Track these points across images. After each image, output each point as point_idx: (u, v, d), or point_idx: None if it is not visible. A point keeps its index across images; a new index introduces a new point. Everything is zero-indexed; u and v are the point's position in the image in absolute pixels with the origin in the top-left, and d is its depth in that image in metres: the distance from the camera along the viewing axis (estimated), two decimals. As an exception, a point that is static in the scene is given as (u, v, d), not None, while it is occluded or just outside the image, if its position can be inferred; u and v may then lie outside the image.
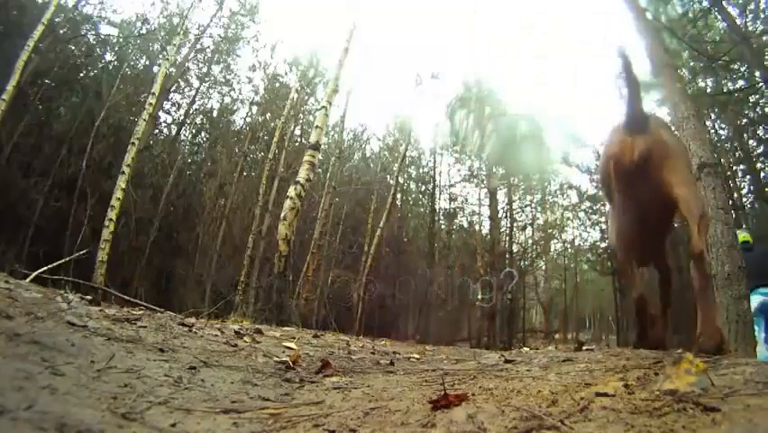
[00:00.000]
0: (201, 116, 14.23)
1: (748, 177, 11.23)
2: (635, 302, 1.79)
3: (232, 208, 12.83)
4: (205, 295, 10.62)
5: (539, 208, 15.64)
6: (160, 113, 12.59)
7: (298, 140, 14.07)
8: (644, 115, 1.72)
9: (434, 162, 16.58)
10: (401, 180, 15.48)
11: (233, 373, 1.50)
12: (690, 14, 7.23)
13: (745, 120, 10.32)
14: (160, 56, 11.48)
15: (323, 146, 10.31)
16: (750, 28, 7.66)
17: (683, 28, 6.96)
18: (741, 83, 9.27)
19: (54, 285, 3.76)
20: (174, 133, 13.48)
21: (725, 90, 9.54)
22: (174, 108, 13.60)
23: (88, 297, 2.85)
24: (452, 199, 16.33)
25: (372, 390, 1.44)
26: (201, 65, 13.63)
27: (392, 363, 2.40)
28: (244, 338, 2.40)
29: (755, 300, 3.89)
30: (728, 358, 1.51)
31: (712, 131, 10.96)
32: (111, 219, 7.17)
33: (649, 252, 1.85)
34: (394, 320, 14.28)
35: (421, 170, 17.33)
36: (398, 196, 15.39)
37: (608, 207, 2.24)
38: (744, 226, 10.12)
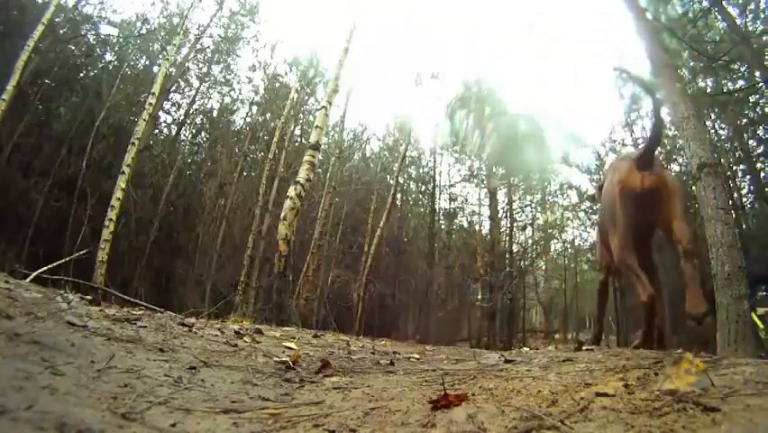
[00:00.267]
0: (201, 116, 14.23)
1: (748, 177, 11.23)
2: (649, 298, 1.99)
3: (232, 208, 12.83)
4: (205, 295, 10.62)
5: (539, 208, 15.65)
6: (160, 113, 12.59)
7: (298, 140, 14.07)
8: (653, 156, 2.10)
9: (434, 162, 16.58)
10: (401, 180, 15.48)
11: (233, 373, 1.50)
12: (690, 14, 7.22)
13: (745, 120, 10.32)
14: (160, 56, 11.47)
15: (323, 146, 10.30)
16: (750, 28, 7.66)
17: (683, 28, 6.96)
18: (741, 83, 9.26)
19: (54, 285, 3.76)
20: (174, 133, 13.48)
21: (725, 90, 9.54)
22: (174, 108, 13.61)
23: (88, 297, 2.85)
24: (452, 199, 16.33)
25: (372, 390, 1.44)
26: (201, 65, 13.63)
27: (392, 363, 2.40)
28: (244, 338, 2.40)
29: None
30: (728, 358, 1.51)
31: (712, 131, 10.95)
32: (111, 219, 7.17)
33: (643, 255, 2.21)
34: (394, 320, 14.28)
35: (421, 170, 17.33)
36: (398, 196, 15.39)
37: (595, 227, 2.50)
38: (744, 226, 10.13)
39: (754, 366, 1.17)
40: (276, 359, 1.92)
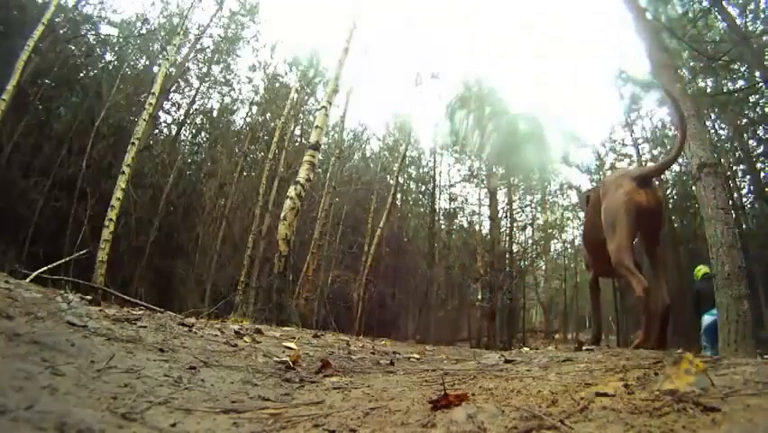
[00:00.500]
0: (201, 116, 14.24)
1: (748, 177, 11.23)
2: (644, 292, 2.19)
3: (232, 208, 12.83)
4: (205, 295, 10.62)
5: (539, 208, 15.65)
6: (160, 113, 12.60)
7: (298, 140, 14.07)
8: (653, 178, 2.42)
9: (434, 162, 16.60)
10: (401, 180, 15.48)
11: (233, 373, 1.50)
12: (690, 14, 7.22)
13: (745, 120, 10.32)
14: (160, 56, 11.48)
15: (323, 146, 10.31)
16: (750, 28, 7.66)
17: (683, 28, 6.95)
18: (741, 83, 9.26)
19: (54, 285, 3.76)
20: (174, 133, 13.49)
21: (725, 90, 9.54)
22: (174, 108, 13.62)
23: (88, 297, 2.85)
24: (452, 199, 16.34)
25: (372, 390, 1.44)
26: (201, 65, 13.64)
27: (392, 363, 2.40)
28: (244, 338, 2.40)
29: (709, 319, 4.82)
30: (728, 358, 1.51)
31: (712, 131, 10.96)
32: (111, 219, 7.17)
33: (635, 259, 2.47)
34: (394, 320, 14.28)
35: (421, 170, 17.34)
36: (398, 196, 15.39)
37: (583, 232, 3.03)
38: (744, 226, 10.14)
39: (754, 366, 1.17)
40: (276, 359, 1.92)
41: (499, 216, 14.75)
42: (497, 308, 13.16)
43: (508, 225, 15.04)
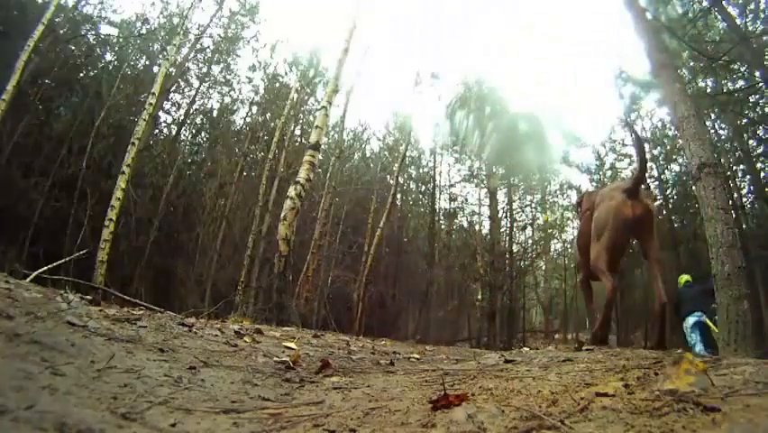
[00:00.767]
0: (201, 116, 14.23)
1: (748, 177, 11.22)
2: (612, 289, 2.50)
3: (232, 208, 12.83)
4: (205, 295, 10.62)
5: (539, 208, 15.65)
6: (160, 113, 12.59)
7: (298, 140, 14.07)
8: (641, 188, 2.61)
9: (434, 162, 16.59)
10: (401, 180, 15.48)
11: (233, 373, 1.50)
12: (690, 14, 7.22)
13: (745, 120, 10.31)
14: (160, 56, 11.47)
15: (323, 146, 10.30)
16: (750, 28, 7.65)
17: (683, 28, 6.95)
18: (741, 83, 9.26)
19: (54, 285, 3.76)
20: (174, 133, 13.47)
21: (725, 90, 9.53)
22: (174, 108, 13.61)
23: (88, 297, 2.85)
24: (452, 199, 16.33)
25: (372, 390, 1.44)
26: (201, 65, 13.62)
27: (392, 363, 2.40)
28: (244, 338, 2.40)
29: (692, 320, 5.17)
30: (728, 358, 1.51)
31: (712, 131, 10.95)
32: (111, 219, 7.16)
33: (616, 264, 2.77)
34: (394, 320, 14.28)
35: (421, 170, 17.34)
36: (398, 196, 15.39)
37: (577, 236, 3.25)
38: (744, 226, 10.14)
39: (754, 366, 1.17)
40: (276, 359, 1.92)
41: (499, 216, 14.74)
42: (497, 308, 13.15)
43: (508, 225, 15.04)
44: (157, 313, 2.94)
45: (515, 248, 15.16)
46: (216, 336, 2.29)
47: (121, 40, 12.23)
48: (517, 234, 15.63)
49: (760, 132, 10.58)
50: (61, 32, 10.70)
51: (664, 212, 12.71)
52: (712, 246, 4.21)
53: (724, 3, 7.06)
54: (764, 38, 7.36)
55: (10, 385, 0.86)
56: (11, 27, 9.28)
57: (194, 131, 14.41)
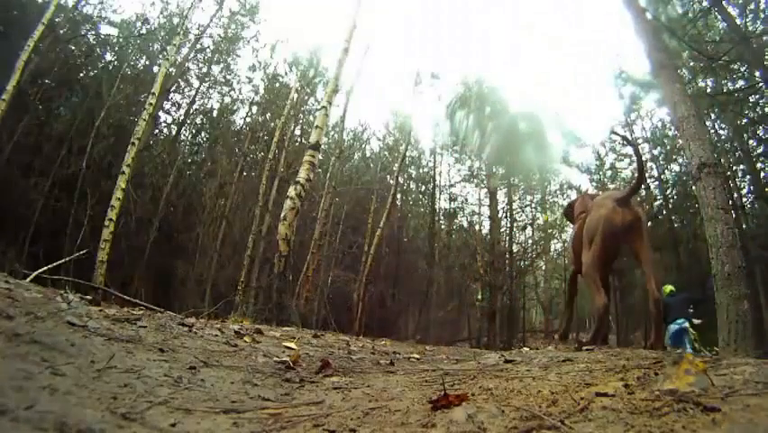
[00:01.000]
0: (201, 116, 14.23)
1: (748, 177, 11.22)
2: (604, 307, 2.65)
3: (232, 208, 12.82)
4: (205, 295, 10.61)
5: (539, 208, 15.65)
6: (160, 113, 12.59)
7: (298, 140, 14.07)
8: (630, 198, 2.72)
9: (434, 162, 16.59)
10: (401, 180, 15.48)
11: (233, 373, 1.50)
12: (690, 14, 7.22)
13: (745, 120, 10.31)
14: (160, 56, 11.47)
15: (323, 146, 10.30)
16: (750, 28, 7.65)
17: (683, 28, 6.95)
18: (741, 83, 9.25)
19: (54, 285, 3.76)
20: (174, 133, 13.48)
21: (725, 90, 9.53)
22: (174, 108, 13.61)
23: (88, 297, 2.85)
24: (452, 199, 16.33)
25: (372, 390, 1.44)
26: (201, 65, 13.62)
27: (392, 363, 2.40)
28: (244, 338, 2.40)
29: (675, 326, 5.57)
30: (728, 358, 1.52)
31: (712, 131, 10.95)
32: (111, 219, 7.16)
33: (606, 272, 2.86)
34: (394, 320, 14.27)
35: (421, 170, 17.34)
36: (398, 196, 15.38)
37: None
38: (744, 226, 10.14)
39: (754, 366, 1.17)
40: (276, 359, 1.92)
41: (499, 216, 14.74)
42: (497, 308, 13.15)
43: (508, 225, 15.04)
44: (157, 313, 2.94)
45: (515, 248, 15.15)
46: (216, 336, 2.29)
47: (121, 40, 12.23)
48: (517, 234, 15.63)
49: (760, 132, 10.58)
50: (61, 32, 10.70)
51: (664, 212, 12.71)
52: (712, 246, 4.21)
53: (724, 3, 7.06)
54: (764, 38, 7.36)
55: (10, 385, 0.86)
56: (11, 27, 9.28)
57: (194, 131, 14.42)
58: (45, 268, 4.17)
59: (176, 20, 12.01)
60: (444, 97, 14.26)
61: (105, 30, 12.22)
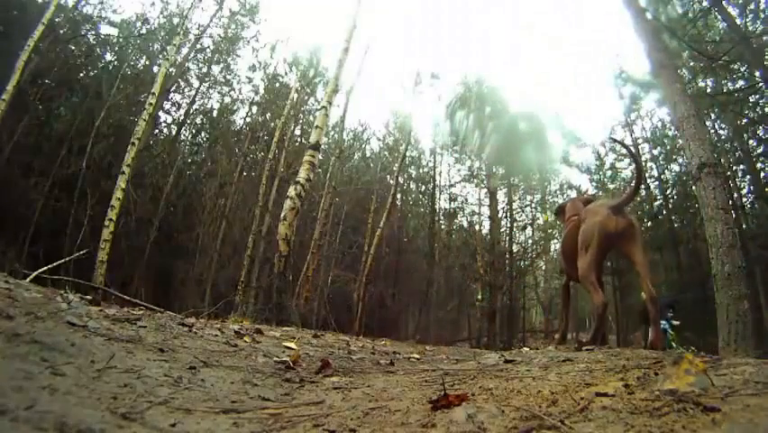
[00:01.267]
0: (201, 116, 14.22)
1: (748, 177, 11.22)
2: (603, 305, 2.74)
3: (232, 208, 12.82)
4: (205, 295, 10.62)
5: (539, 208, 15.65)
6: (160, 113, 12.58)
7: (298, 140, 14.06)
8: (625, 206, 2.84)
9: (434, 162, 16.59)
10: (401, 180, 15.47)
11: (233, 373, 1.50)
12: (690, 14, 7.21)
13: (745, 120, 10.30)
14: (160, 56, 11.47)
15: (323, 146, 10.30)
16: (750, 28, 7.64)
17: (683, 28, 6.95)
18: (741, 83, 9.25)
19: (54, 285, 3.75)
20: (174, 133, 13.48)
21: (725, 90, 9.53)
22: (174, 108, 13.60)
23: (88, 297, 2.85)
24: (452, 199, 16.33)
25: (372, 390, 1.44)
26: (201, 65, 13.62)
27: (392, 363, 2.40)
28: (244, 338, 2.40)
29: None
30: (728, 358, 1.52)
31: (712, 131, 10.95)
32: (111, 219, 7.16)
33: (599, 273, 2.93)
34: (394, 320, 14.28)
35: (421, 170, 17.34)
36: (398, 196, 15.38)
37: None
38: (744, 226, 10.14)
39: (754, 366, 1.17)
40: (276, 359, 1.92)
41: (499, 216, 14.74)
42: (497, 308, 13.15)
43: (508, 225, 15.04)
44: (157, 313, 2.94)
45: (515, 248, 15.15)
46: (216, 336, 2.29)
47: (121, 40, 12.22)
48: (517, 234, 15.63)
49: (760, 132, 10.58)
50: (61, 32, 10.70)
51: (664, 212, 12.71)
52: (712, 246, 4.21)
53: (724, 3, 7.06)
54: (764, 38, 7.35)
55: (10, 385, 0.86)
56: (11, 27, 9.28)
57: (194, 131, 14.42)
58: (45, 268, 4.17)
59: (176, 20, 12.01)
60: (444, 97, 14.27)
61: (105, 30, 12.23)
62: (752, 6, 7.75)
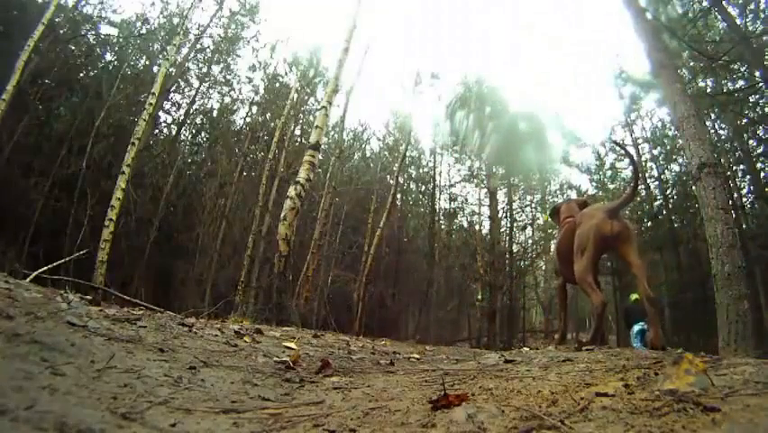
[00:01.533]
0: (201, 116, 14.23)
1: (748, 177, 11.22)
2: (602, 305, 2.77)
3: (232, 208, 12.82)
4: (205, 295, 10.62)
5: (539, 208, 15.65)
6: (160, 113, 12.59)
7: (298, 140, 14.06)
8: (620, 210, 2.91)
9: (434, 162, 16.60)
10: (401, 180, 15.47)
11: (233, 373, 1.50)
12: (690, 14, 7.21)
13: (745, 120, 10.31)
14: (160, 56, 11.47)
15: (323, 146, 10.30)
16: (750, 28, 7.64)
17: (683, 28, 6.95)
18: (741, 83, 9.25)
19: (54, 285, 3.75)
20: (174, 133, 13.48)
21: (725, 90, 9.53)
22: (174, 108, 13.61)
23: (88, 297, 2.85)
24: (452, 199, 16.34)
25: (372, 390, 1.44)
26: (201, 65, 13.62)
27: (392, 363, 2.40)
28: (244, 338, 2.40)
29: (637, 328, 6.41)
30: (728, 358, 1.52)
31: (712, 131, 10.95)
32: (111, 219, 7.16)
33: (596, 273, 2.99)
34: (394, 320, 14.28)
35: (421, 170, 17.34)
36: (398, 196, 15.38)
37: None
38: (744, 226, 10.14)
39: (754, 366, 1.17)
40: (276, 359, 1.92)
41: (499, 216, 14.75)
42: (497, 308, 13.15)
43: (508, 225, 15.04)
44: (157, 313, 2.94)
45: (515, 248, 15.16)
46: (216, 336, 2.29)
47: (121, 40, 12.22)
48: (517, 234, 15.64)
49: (760, 132, 10.58)
50: (61, 32, 10.70)
51: (664, 212, 12.71)
52: (712, 246, 4.21)
53: (724, 3, 7.06)
54: (764, 38, 7.35)
55: (10, 385, 0.86)
56: (11, 27, 9.28)
57: (194, 131, 14.42)
58: (45, 268, 4.17)
59: (176, 20, 12.01)
60: (444, 97, 14.27)
61: (105, 30, 12.24)
62: (752, 6, 7.75)
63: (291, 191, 6.02)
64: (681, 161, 12.25)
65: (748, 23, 7.77)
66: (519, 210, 15.62)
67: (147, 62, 12.74)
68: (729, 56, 7.13)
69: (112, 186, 7.72)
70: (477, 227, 16.00)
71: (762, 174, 10.91)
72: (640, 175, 12.02)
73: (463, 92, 14.16)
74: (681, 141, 5.51)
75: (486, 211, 15.41)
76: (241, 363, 1.74)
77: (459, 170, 16.38)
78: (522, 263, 15.06)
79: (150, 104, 8.13)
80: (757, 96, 9.34)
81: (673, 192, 12.95)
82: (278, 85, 14.57)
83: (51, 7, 8.07)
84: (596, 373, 1.39)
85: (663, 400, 0.92)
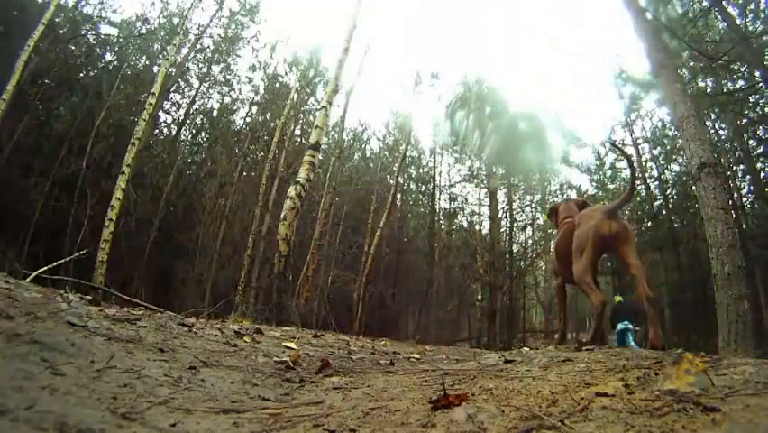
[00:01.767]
0: (201, 116, 14.23)
1: (748, 177, 11.22)
2: (601, 305, 2.77)
3: (232, 208, 12.82)
4: (205, 295, 10.62)
5: (539, 208, 15.65)
6: (160, 113, 12.59)
7: (298, 140, 14.06)
8: (618, 211, 2.94)
9: (434, 162, 16.60)
10: (401, 180, 15.47)
11: (233, 373, 1.50)
12: (690, 14, 7.21)
13: (745, 120, 10.31)
14: (160, 56, 11.47)
15: (323, 146, 10.30)
16: (750, 28, 7.64)
17: (683, 28, 6.95)
18: (741, 83, 9.25)
19: (54, 285, 3.75)
20: (174, 133, 13.48)
21: (725, 90, 9.53)
22: (174, 108, 13.61)
23: (88, 297, 2.85)
24: (452, 199, 16.34)
25: (372, 390, 1.44)
26: (201, 65, 13.62)
27: (392, 363, 2.40)
28: (244, 338, 2.40)
29: (621, 327, 6.96)
30: (728, 358, 1.52)
31: (712, 131, 10.95)
32: (111, 219, 7.16)
33: (594, 274, 2.99)
34: (394, 320, 14.28)
35: (421, 170, 17.34)
36: (398, 196, 15.38)
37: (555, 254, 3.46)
38: (744, 226, 10.14)
39: (754, 366, 1.17)
40: (276, 359, 1.92)
41: (499, 216, 14.75)
42: (497, 308, 13.15)
43: (508, 225, 15.04)
44: (157, 313, 2.94)
45: (515, 248, 15.16)
46: (216, 336, 2.29)
47: (121, 40, 12.22)
48: (517, 234, 15.64)
49: (760, 132, 10.58)
50: (61, 32, 10.70)
51: (664, 212, 12.71)
52: (712, 246, 4.20)
53: (724, 3, 7.06)
54: (764, 38, 7.35)
55: (10, 385, 0.86)
56: (11, 27, 9.28)
57: (194, 131, 14.42)
58: (45, 268, 4.17)
59: (176, 20, 12.01)
60: (444, 97, 14.28)
61: (105, 30, 12.24)
62: (752, 6, 7.75)
63: (291, 191, 6.02)
64: (681, 161, 12.26)
65: (748, 23, 7.77)
66: (519, 210, 15.63)
67: (147, 62, 12.75)
68: (729, 56, 7.14)
69: (112, 186, 7.72)
70: (477, 227, 16.02)
71: (762, 174, 10.92)
72: (640, 175, 12.10)
73: (463, 92, 14.17)
74: (681, 141, 5.51)
75: (486, 211, 15.43)
76: (241, 363, 1.73)
77: (459, 170, 16.40)
78: (522, 263, 15.06)
79: (150, 104, 8.13)
80: (757, 96, 9.34)
81: (673, 192, 12.95)
82: (278, 85, 14.57)
83: (51, 7, 8.07)
84: (596, 373, 1.39)
85: (663, 400, 0.92)
